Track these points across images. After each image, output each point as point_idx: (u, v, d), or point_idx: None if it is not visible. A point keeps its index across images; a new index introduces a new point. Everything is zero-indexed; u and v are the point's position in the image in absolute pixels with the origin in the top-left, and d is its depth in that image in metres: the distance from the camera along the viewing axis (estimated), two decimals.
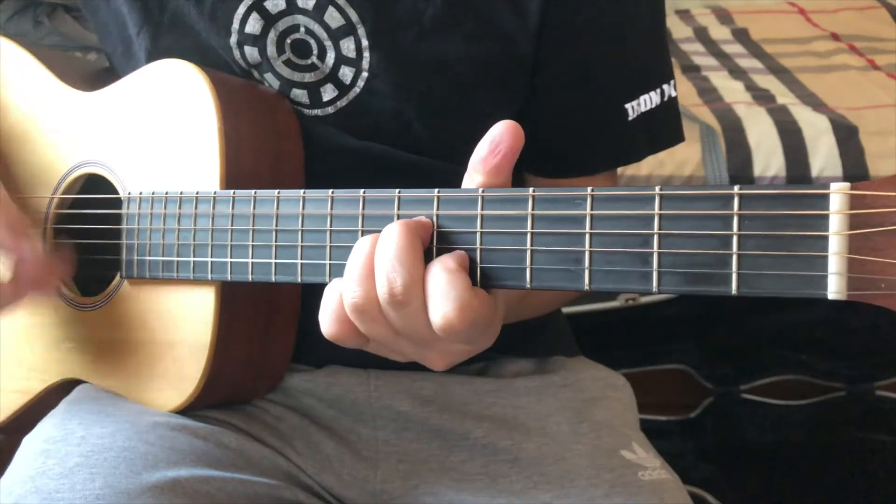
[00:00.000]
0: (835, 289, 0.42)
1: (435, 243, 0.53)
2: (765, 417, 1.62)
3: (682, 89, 1.73)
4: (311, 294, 0.74)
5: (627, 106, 0.74)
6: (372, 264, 0.52)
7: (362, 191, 0.56)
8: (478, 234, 0.51)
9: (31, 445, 0.68)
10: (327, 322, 0.54)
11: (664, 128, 0.78)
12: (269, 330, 0.72)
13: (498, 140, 0.52)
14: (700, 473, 1.53)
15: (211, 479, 0.65)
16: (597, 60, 0.74)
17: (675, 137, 0.79)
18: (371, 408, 0.77)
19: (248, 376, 0.72)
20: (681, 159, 1.47)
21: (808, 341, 1.58)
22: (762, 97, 1.68)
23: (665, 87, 0.76)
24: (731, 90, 1.72)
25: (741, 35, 2.04)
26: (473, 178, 0.53)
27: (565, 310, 0.98)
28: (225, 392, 0.72)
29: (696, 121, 1.54)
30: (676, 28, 2.11)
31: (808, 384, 1.62)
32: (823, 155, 1.48)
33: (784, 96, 1.68)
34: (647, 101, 0.75)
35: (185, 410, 0.70)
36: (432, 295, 0.50)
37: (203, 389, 0.68)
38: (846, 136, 1.50)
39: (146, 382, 0.71)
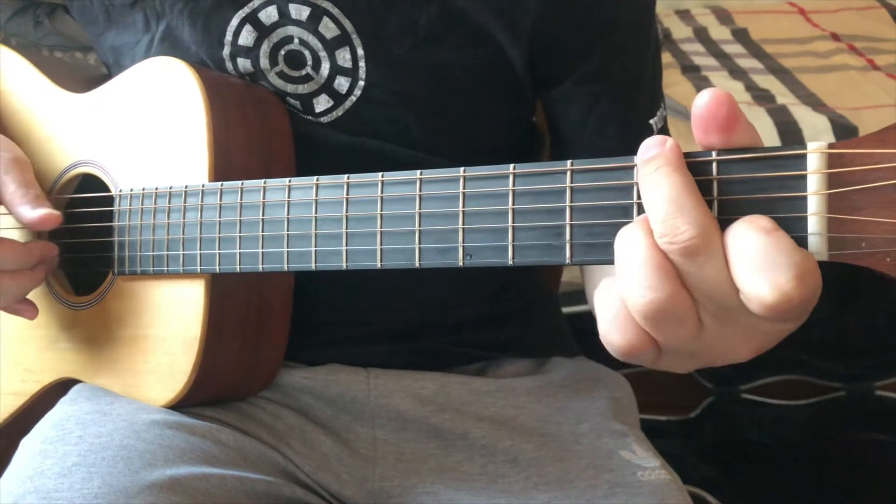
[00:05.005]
0: (816, 249, 0.41)
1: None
2: (765, 417, 1.63)
3: (682, 89, 1.74)
4: (306, 293, 0.74)
5: (651, 122, 0.75)
6: (657, 260, 0.42)
7: (346, 176, 0.56)
8: (460, 213, 0.51)
9: (29, 446, 0.68)
10: (616, 334, 0.45)
11: None
12: (261, 326, 0.72)
13: (714, 124, 0.43)
14: (700, 473, 1.53)
15: (209, 477, 0.65)
16: (619, 73, 0.74)
17: None
18: (370, 406, 0.77)
19: (241, 372, 0.72)
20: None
21: (807, 341, 1.58)
22: (762, 97, 1.68)
23: (662, 103, 0.77)
24: (731, 90, 1.71)
25: (741, 35, 2.03)
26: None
27: (565, 310, 0.98)
28: (217, 388, 0.72)
29: None
30: (676, 28, 2.11)
31: (808, 384, 1.63)
32: None
33: (784, 96, 1.68)
34: (661, 118, 0.76)
35: (179, 406, 0.70)
36: (750, 264, 0.40)
37: (194, 384, 0.68)
38: (846, 136, 1.50)
39: (138, 378, 0.71)
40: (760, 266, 0.40)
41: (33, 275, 0.70)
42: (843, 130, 1.51)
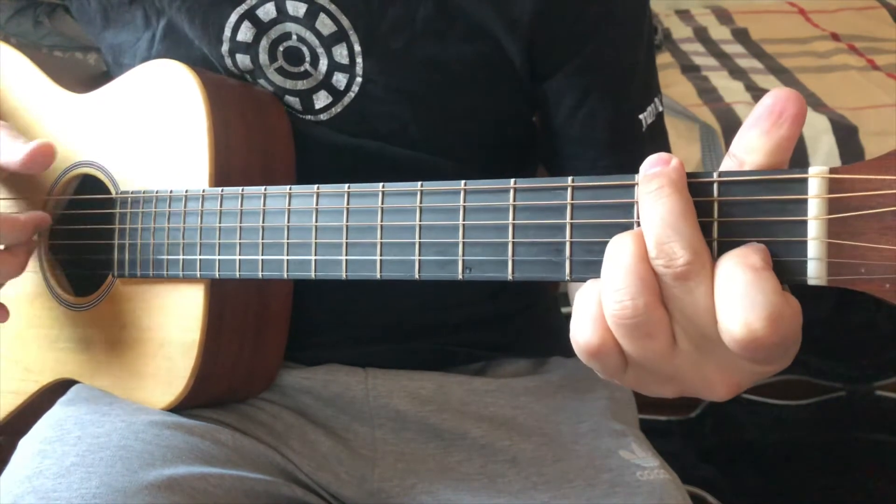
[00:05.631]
0: (815, 274, 0.41)
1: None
2: (765, 417, 1.62)
3: (682, 89, 1.73)
4: (304, 294, 0.74)
5: (640, 117, 0.74)
6: (640, 271, 0.43)
7: (347, 185, 0.56)
8: (460, 227, 0.51)
9: (28, 446, 0.68)
10: (583, 333, 0.45)
11: (661, 142, 0.78)
12: (260, 329, 0.72)
13: (780, 107, 0.42)
14: (700, 473, 1.53)
15: (208, 476, 0.65)
16: (610, 68, 0.74)
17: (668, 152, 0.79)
18: (369, 406, 0.77)
19: (240, 375, 0.72)
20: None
21: (807, 341, 1.57)
22: (762, 97, 1.68)
23: (657, 100, 0.77)
24: (731, 90, 1.72)
25: (741, 35, 2.03)
26: (748, 158, 0.43)
27: (565, 310, 0.98)
28: (216, 391, 0.72)
29: (696, 121, 1.54)
30: (676, 28, 2.10)
31: (808, 384, 1.63)
32: (823, 155, 1.48)
33: None
34: (651, 114, 0.75)
35: (178, 409, 0.70)
36: (729, 298, 0.41)
37: (193, 387, 0.68)
38: (846, 136, 1.50)
39: (138, 381, 0.71)
40: (737, 302, 0.40)
41: (14, 258, 0.69)
42: (844, 130, 1.51)
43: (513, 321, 0.85)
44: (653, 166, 0.44)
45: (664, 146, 0.79)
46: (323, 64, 0.72)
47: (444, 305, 0.81)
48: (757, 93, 1.70)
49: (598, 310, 0.45)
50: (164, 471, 0.63)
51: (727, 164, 0.45)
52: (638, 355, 0.44)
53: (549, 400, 0.80)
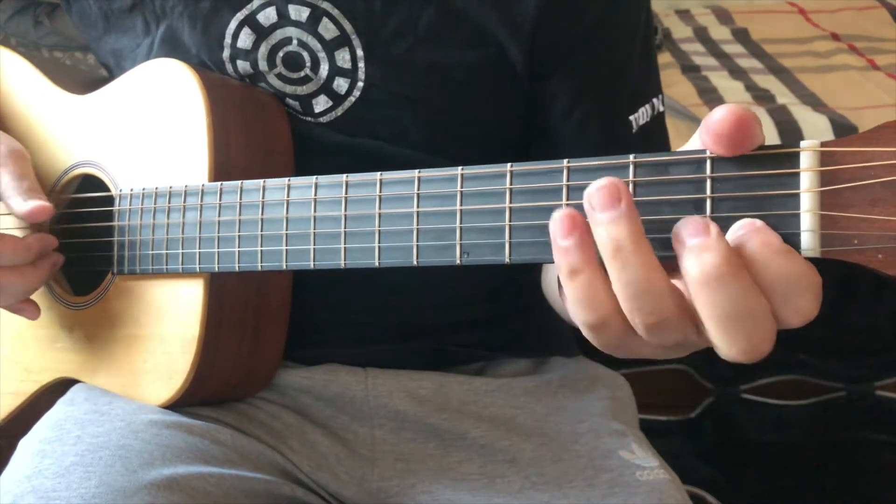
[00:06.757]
0: (808, 246, 0.42)
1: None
2: (765, 417, 1.62)
3: (682, 89, 1.74)
4: (304, 293, 0.74)
5: (631, 118, 0.74)
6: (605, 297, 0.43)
7: (345, 175, 0.56)
8: (458, 212, 0.52)
9: (28, 446, 0.68)
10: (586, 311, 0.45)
11: (657, 142, 0.78)
12: (259, 325, 0.72)
13: (726, 143, 0.42)
14: (700, 473, 1.53)
15: (207, 476, 0.65)
16: (603, 69, 0.74)
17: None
18: (369, 406, 0.77)
19: (239, 372, 0.72)
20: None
21: (807, 341, 1.58)
22: (762, 97, 1.68)
23: (655, 100, 0.76)
24: (731, 90, 1.72)
25: (741, 35, 2.04)
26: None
27: None
28: (216, 387, 0.72)
29: (695, 121, 1.54)
30: (676, 28, 2.11)
31: (808, 384, 1.62)
32: None
33: (784, 96, 1.68)
34: (644, 114, 0.75)
35: (177, 405, 0.70)
36: (780, 290, 0.41)
37: (192, 383, 0.68)
38: (846, 136, 1.50)
39: (137, 378, 0.71)
40: (790, 294, 0.41)
41: (37, 271, 0.70)
42: (844, 130, 1.51)
43: (513, 321, 0.85)
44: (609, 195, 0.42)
45: (660, 147, 0.79)
46: (324, 69, 0.72)
47: (444, 305, 0.81)
48: (757, 92, 1.70)
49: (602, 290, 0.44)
50: (163, 470, 0.63)
51: (694, 143, 0.45)
52: (658, 342, 0.44)
53: (549, 400, 0.80)
